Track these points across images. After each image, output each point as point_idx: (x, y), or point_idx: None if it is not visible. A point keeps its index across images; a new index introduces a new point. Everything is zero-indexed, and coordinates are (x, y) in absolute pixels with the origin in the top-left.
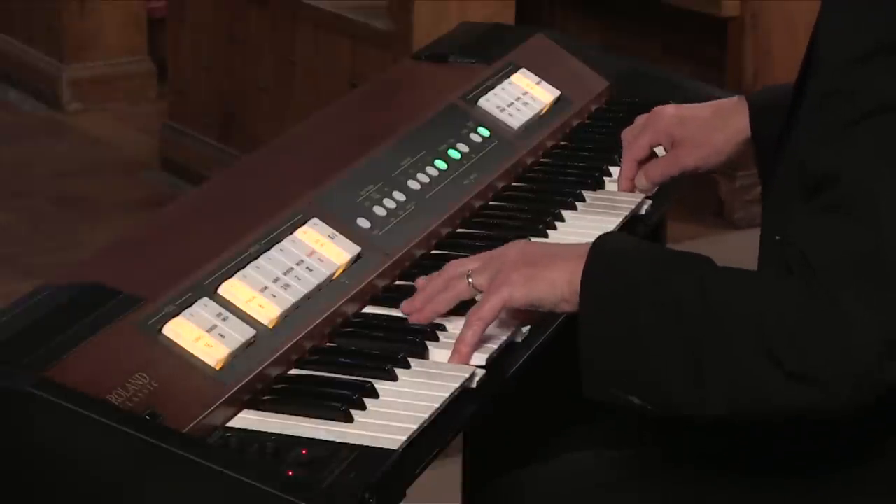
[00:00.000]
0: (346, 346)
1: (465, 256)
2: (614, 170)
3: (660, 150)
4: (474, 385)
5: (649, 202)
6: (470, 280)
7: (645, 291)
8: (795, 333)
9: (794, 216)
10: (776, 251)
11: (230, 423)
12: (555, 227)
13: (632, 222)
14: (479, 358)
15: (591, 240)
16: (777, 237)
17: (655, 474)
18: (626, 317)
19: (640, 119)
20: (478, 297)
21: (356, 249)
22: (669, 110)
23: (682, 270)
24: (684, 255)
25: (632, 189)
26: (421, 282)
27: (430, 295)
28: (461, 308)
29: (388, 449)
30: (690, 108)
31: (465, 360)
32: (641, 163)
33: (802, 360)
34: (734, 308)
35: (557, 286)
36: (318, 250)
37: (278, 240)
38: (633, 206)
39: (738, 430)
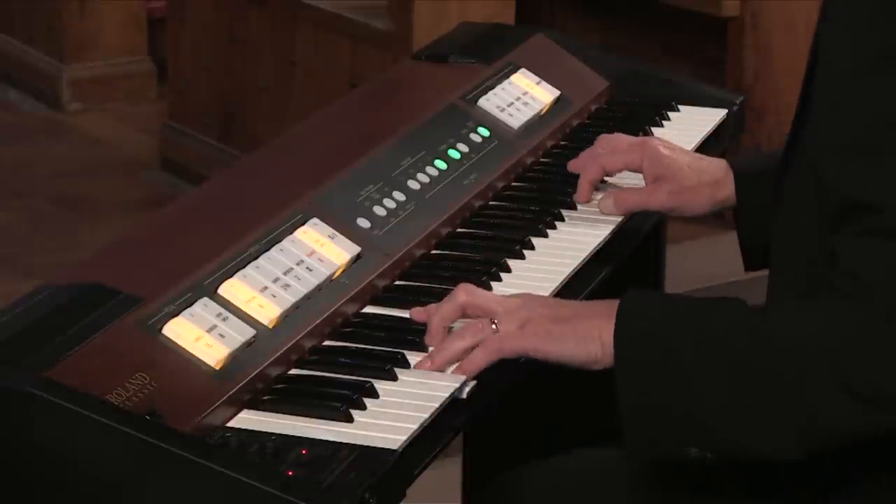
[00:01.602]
0: (346, 346)
1: (463, 255)
2: None
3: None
4: (475, 383)
5: None
6: (495, 328)
7: (686, 335)
8: (868, 361)
9: (835, 241)
10: (796, 267)
11: (230, 423)
12: (555, 227)
13: (631, 222)
14: None
15: (592, 243)
16: (791, 250)
17: (656, 473)
18: (670, 364)
19: (626, 138)
20: None
21: (356, 249)
22: (663, 150)
23: (719, 309)
24: (714, 298)
25: (588, 201)
26: (422, 316)
27: (453, 344)
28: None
29: (388, 449)
30: (682, 155)
31: (467, 376)
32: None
33: (879, 387)
34: (801, 342)
35: (588, 347)
36: (318, 250)
37: (278, 240)
38: None
39: None
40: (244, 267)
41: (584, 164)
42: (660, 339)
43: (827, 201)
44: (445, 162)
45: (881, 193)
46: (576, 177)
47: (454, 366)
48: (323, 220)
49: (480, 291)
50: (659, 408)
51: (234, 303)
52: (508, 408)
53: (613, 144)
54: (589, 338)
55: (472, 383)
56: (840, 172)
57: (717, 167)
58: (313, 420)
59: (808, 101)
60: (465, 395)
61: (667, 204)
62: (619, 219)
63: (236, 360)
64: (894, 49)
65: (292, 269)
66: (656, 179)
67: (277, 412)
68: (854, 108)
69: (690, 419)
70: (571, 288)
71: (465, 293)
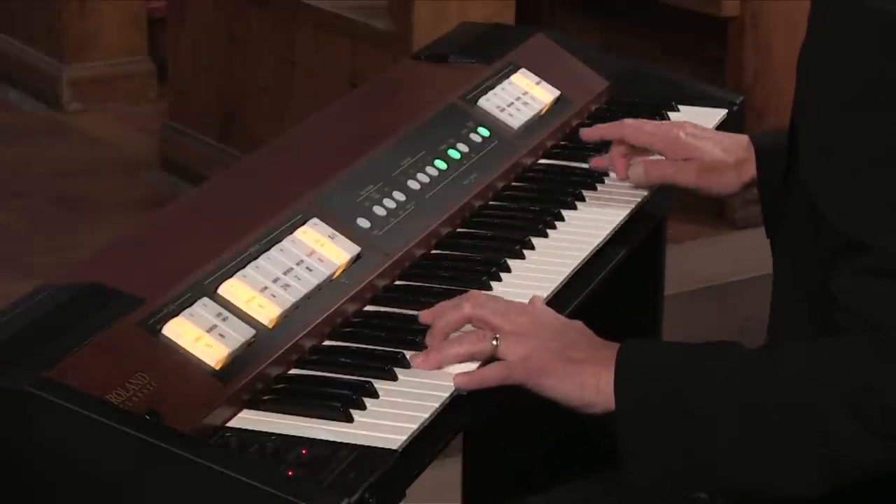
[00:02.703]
0: (346, 346)
1: (463, 255)
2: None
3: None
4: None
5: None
6: (496, 343)
7: (692, 379)
8: (878, 394)
9: (834, 278)
10: (802, 294)
11: (230, 423)
12: (555, 227)
13: (631, 221)
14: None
15: (592, 243)
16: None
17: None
18: (677, 409)
19: (651, 121)
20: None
21: (356, 249)
22: (684, 137)
23: (720, 352)
24: (711, 342)
25: (598, 140)
26: (429, 318)
27: (450, 348)
28: None
29: (388, 449)
30: (708, 136)
31: (470, 387)
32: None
33: (892, 417)
34: (811, 377)
35: (584, 393)
36: (318, 250)
37: (278, 240)
38: (633, 206)
39: None
40: (244, 267)
41: (606, 127)
42: (664, 386)
43: (824, 222)
44: (445, 162)
45: (875, 232)
46: (575, 177)
47: (457, 369)
48: (323, 220)
49: (488, 303)
50: (665, 454)
51: (234, 303)
52: (508, 408)
53: (639, 123)
54: (586, 385)
55: None
56: (833, 208)
57: (739, 145)
58: (313, 420)
59: (796, 129)
60: (465, 395)
61: (694, 182)
62: (620, 219)
63: (236, 360)
64: (879, 82)
65: (292, 269)
66: (686, 158)
67: (277, 412)
68: (842, 144)
69: (700, 463)
70: (572, 288)
71: (470, 305)
